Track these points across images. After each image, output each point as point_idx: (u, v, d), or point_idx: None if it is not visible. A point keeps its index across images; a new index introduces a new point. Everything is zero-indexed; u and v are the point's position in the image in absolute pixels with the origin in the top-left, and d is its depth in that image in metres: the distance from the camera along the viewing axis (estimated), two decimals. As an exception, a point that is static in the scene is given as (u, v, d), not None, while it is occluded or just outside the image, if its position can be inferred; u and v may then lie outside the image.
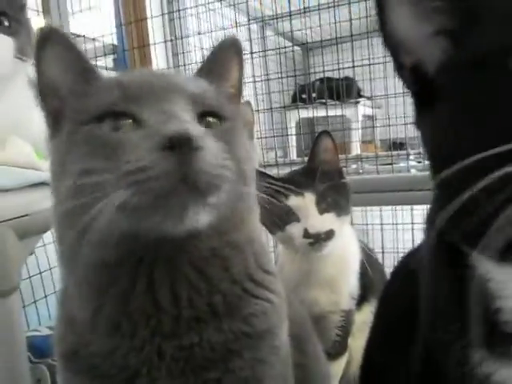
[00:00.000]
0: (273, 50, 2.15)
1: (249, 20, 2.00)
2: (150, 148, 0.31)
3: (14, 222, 0.47)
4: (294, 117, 2.55)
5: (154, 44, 1.55)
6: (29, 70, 0.67)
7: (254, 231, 0.42)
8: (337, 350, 0.78)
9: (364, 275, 0.81)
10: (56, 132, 0.40)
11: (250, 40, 1.75)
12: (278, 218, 0.71)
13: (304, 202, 0.70)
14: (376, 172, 1.27)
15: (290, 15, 1.67)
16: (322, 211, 0.70)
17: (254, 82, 1.79)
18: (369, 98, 2.53)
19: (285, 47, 2.08)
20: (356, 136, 2.30)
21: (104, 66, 1.69)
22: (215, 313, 0.36)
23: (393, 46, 0.34)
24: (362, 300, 0.82)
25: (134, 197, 0.30)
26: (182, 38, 1.68)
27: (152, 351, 0.34)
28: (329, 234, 0.70)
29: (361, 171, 1.40)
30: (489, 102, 0.29)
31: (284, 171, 1.25)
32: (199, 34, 1.64)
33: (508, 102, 0.28)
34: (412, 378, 0.40)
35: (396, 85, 1.69)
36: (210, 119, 0.37)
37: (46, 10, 1.41)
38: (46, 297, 1.17)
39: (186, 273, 0.35)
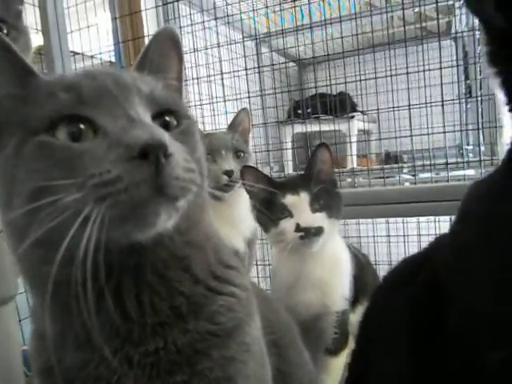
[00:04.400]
0: (267, 66, 2.19)
1: (243, 37, 2.04)
2: (117, 159, 0.29)
3: None
4: (289, 132, 2.58)
5: None
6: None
7: (210, 227, 0.41)
8: (336, 346, 0.81)
9: (357, 278, 0.83)
10: None
11: (245, 57, 1.78)
12: (273, 215, 0.76)
13: (299, 201, 0.75)
14: (369, 185, 1.29)
15: (283, 33, 1.71)
16: (314, 210, 0.75)
17: (249, 97, 1.82)
18: (362, 113, 2.57)
19: (279, 63, 2.12)
20: (352, 150, 2.32)
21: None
22: (179, 315, 0.35)
23: None
24: (355, 302, 0.84)
25: (103, 211, 0.28)
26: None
27: (121, 360, 0.34)
28: (318, 231, 0.74)
29: (356, 185, 1.42)
30: None
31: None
32: (195, 51, 1.67)
33: None
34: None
35: (388, 99, 1.73)
36: (167, 118, 0.35)
37: (45, 29, 1.44)
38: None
39: (148, 279, 0.34)
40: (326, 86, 1.68)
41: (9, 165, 0.32)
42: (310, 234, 0.74)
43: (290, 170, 2.43)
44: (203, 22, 1.70)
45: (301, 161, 2.40)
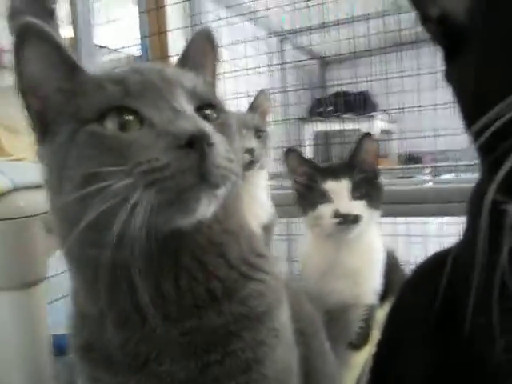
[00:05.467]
0: (290, 62, 2.19)
1: (268, 34, 2.04)
2: (165, 147, 0.31)
3: (43, 216, 0.50)
4: (309, 130, 2.57)
5: (176, 56, 1.60)
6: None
7: (243, 217, 0.43)
8: (359, 341, 0.79)
9: (387, 274, 0.82)
10: (44, 136, 0.37)
11: (269, 53, 1.79)
12: (313, 199, 0.76)
13: (339, 187, 0.74)
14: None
15: (310, 29, 1.70)
16: (354, 198, 0.73)
17: (273, 93, 1.82)
18: (384, 111, 2.54)
19: (299, 61, 2.11)
20: None
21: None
22: (214, 298, 0.37)
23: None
24: (383, 298, 0.83)
25: (151, 196, 0.30)
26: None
27: (159, 338, 0.35)
28: (356, 218, 0.73)
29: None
30: None
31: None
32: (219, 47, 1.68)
33: None
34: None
35: (408, 99, 1.71)
36: (208, 112, 0.37)
37: (74, 21, 1.48)
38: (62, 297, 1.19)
39: (186, 264, 0.36)
40: (350, 83, 1.67)
41: (61, 152, 0.34)
42: (347, 221, 0.72)
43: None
44: (227, 17, 1.72)
45: (322, 159, 2.39)
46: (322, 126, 2.51)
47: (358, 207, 0.73)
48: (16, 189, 0.50)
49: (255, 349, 0.37)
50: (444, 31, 0.34)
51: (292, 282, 0.78)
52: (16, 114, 0.64)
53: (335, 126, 2.39)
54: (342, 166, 0.78)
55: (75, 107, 0.34)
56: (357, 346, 0.79)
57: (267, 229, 0.90)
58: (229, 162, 0.33)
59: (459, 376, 0.35)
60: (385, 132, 2.68)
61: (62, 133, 0.34)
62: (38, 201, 0.50)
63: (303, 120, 2.53)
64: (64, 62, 0.36)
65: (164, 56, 1.64)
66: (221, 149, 0.32)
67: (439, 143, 1.63)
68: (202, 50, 0.43)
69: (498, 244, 0.29)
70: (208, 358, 0.36)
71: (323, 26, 1.70)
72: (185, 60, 0.42)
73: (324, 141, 2.80)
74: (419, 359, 0.40)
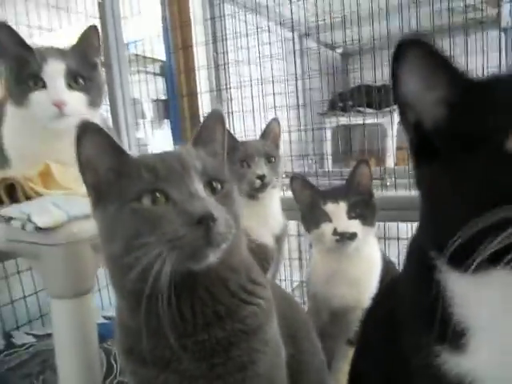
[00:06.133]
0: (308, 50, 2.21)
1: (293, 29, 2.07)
2: (182, 223, 0.43)
3: (91, 239, 0.62)
4: (330, 123, 2.61)
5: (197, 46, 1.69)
6: (99, 113, 0.83)
7: (243, 253, 0.53)
8: (356, 339, 0.87)
9: (382, 280, 0.91)
10: (98, 201, 0.49)
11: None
12: (315, 218, 0.88)
13: (337, 208, 0.85)
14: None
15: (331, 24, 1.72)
16: (350, 217, 0.86)
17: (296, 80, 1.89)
18: None
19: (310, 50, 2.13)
20: (393, 144, 2.32)
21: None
22: (219, 318, 0.49)
23: (402, 104, 0.41)
24: None
25: (174, 254, 0.42)
26: (223, 40, 1.80)
27: (179, 347, 0.47)
28: (352, 236, 0.84)
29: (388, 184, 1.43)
30: (478, 172, 0.35)
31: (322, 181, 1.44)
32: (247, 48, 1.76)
33: (493, 176, 0.34)
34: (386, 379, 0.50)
35: None
36: (214, 184, 0.49)
37: (102, 15, 1.57)
38: (99, 290, 1.33)
39: (199, 294, 0.48)
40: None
41: (110, 219, 0.47)
42: (344, 238, 0.84)
43: (329, 161, 2.48)
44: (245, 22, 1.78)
45: (342, 151, 2.43)
46: (342, 120, 2.55)
47: (354, 226, 0.84)
48: (70, 220, 0.63)
49: (250, 354, 0.49)
50: (418, 137, 0.40)
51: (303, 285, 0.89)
52: (65, 149, 0.78)
53: (355, 120, 2.42)
54: (339, 190, 0.89)
55: (120, 187, 0.47)
56: (353, 342, 0.90)
57: (279, 239, 1.01)
58: (228, 228, 0.45)
59: (397, 372, 0.46)
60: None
61: (111, 205, 0.47)
62: (87, 228, 0.63)
63: (324, 114, 2.57)
64: (113, 148, 0.48)
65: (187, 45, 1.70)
66: (221, 221, 0.44)
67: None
68: (213, 128, 0.54)
69: (427, 288, 0.39)
70: (214, 361, 0.48)
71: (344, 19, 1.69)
72: (199, 136, 0.54)
73: (344, 134, 2.84)
74: (379, 359, 0.51)
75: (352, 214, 0.85)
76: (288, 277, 1.59)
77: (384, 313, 0.52)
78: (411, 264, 0.46)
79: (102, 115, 0.84)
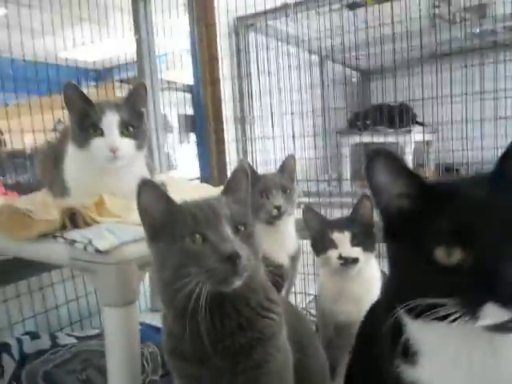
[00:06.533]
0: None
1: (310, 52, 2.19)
2: (215, 260, 0.57)
3: (136, 259, 0.77)
4: (348, 142, 2.70)
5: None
6: (144, 153, 1.00)
7: (261, 277, 0.67)
8: None
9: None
10: (152, 238, 0.63)
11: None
12: (323, 245, 1.02)
13: (342, 237, 1.00)
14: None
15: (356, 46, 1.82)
16: (353, 245, 1.00)
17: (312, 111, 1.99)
18: (421, 124, 2.58)
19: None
20: (408, 161, 2.39)
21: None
22: (242, 328, 0.63)
23: (374, 191, 0.51)
24: None
25: (209, 281, 0.56)
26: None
27: (212, 349, 0.61)
28: (355, 260, 0.99)
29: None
30: (414, 264, 0.46)
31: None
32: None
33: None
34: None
35: (453, 110, 1.75)
36: (239, 227, 0.62)
37: (137, 28, 1.73)
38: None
39: (227, 310, 0.62)
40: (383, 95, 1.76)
41: (163, 254, 0.62)
42: (348, 262, 0.99)
43: (348, 176, 2.58)
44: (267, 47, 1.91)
45: (357, 170, 2.53)
46: (359, 139, 2.64)
47: (356, 252, 0.98)
48: (121, 244, 0.78)
49: (265, 356, 0.64)
50: (385, 218, 0.52)
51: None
52: (115, 184, 0.94)
53: (374, 138, 2.51)
54: (345, 221, 1.03)
55: (170, 229, 0.61)
56: None
57: (294, 258, 1.16)
58: (249, 261, 0.59)
59: (375, 376, 0.59)
60: (424, 142, 2.74)
61: (163, 242, 0.61)
62: (133, 251, 0.79)
63: (341, 133, 2.68)
64: (164, 199, 0.62)
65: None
66: (245, 257, 0.58)
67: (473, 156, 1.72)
68: (239, 180, 0.69)
69: (393, 322, 0.51)
70: (237, 360, 0.63)
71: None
72: (228, 187, 0.69)
73: (362, 152, 2.93)
74: (364, 366, 0.64)
75: (355, 241, 0.99)
76: (304, 290, 1.73)
77: (367, 330, 0.65)
78: (381, 304, 0.59)
79: (145, 155, 1.01)
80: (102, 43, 1.57)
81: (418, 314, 0.45)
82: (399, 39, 1.74)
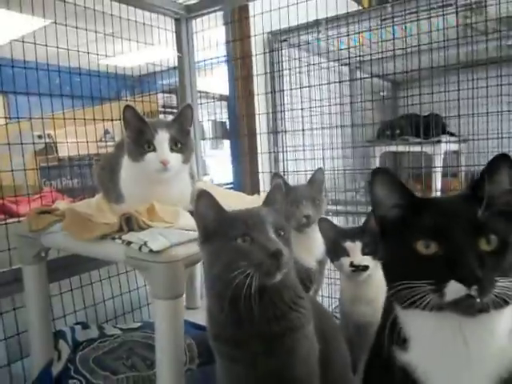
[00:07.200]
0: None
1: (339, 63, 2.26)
2: (263, 255, 0.67)
3: (183, 259, 0.88)
4: (377, 150, 2.75)
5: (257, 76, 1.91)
6: (189, 166, 1.13)
7: (293, 275, 0.77)
8: None
9: None
10: (205, 240, 0.74)
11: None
12: (337, 253, 1.12)
13: (354, 246, 1.10)
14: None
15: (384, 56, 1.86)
16: (363, 253, 1.09)
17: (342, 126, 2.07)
18: (452, 135, 2.60)
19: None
20: (436, 172, 2.41)
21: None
22: (276, 317, 0.72)
23: (374, 202, 0.62)
24: None
25: (257, 274, 0.66)
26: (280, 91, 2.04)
27: (249, 334, 0.71)
28: (365, 268, 1.09)
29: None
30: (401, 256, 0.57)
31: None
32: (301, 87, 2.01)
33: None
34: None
35: (478, 121, 1.81)
36: (280, 231, 0.73)
37: (179, 45, 1.84)
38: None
39: (266, 300, 0.71)
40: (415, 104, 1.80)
41: (216, 252, 0.72)
42: (359, 269, 1.09)
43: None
44: (301, 64, 1.99)
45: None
46: (390, 148, 2.69)
47: (367, 260, 1.09)
48: (171, 245, 0.90)
49: (294, 343, 0.74)
50: (381, 225, 0.64)
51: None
52: (165, 193, 1.07)
53: (401, 148, 2.55)
54: (357, 231, 1.13)
55: (223, 231, 0.72)
56: None
57: (321, 262, 1.27)
58: (288, 259, 0.70)
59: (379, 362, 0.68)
60: (454, 152, 2.75)
61: (216, 243, 0.73)
62: (181, 252, 0.91)
63: (371, 143, 2.73)
64: (217, 209, 0.74)
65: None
66: (286, 255, 0.69)
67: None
68: (276, 194, 0.81)
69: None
70: (271, 345, 0.73)
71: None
72: (268, 200, 0.80)
73: (392, 161, 2.97)
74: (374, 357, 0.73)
75: (365, 250, 1.09)
76: (330, 294, 1.81)
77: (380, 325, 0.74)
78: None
79: (191, 167, 1.14)
80: (142, 52, 1.68)
81: (403, 301, 0.55)
82: (427, 50, 1.81)
